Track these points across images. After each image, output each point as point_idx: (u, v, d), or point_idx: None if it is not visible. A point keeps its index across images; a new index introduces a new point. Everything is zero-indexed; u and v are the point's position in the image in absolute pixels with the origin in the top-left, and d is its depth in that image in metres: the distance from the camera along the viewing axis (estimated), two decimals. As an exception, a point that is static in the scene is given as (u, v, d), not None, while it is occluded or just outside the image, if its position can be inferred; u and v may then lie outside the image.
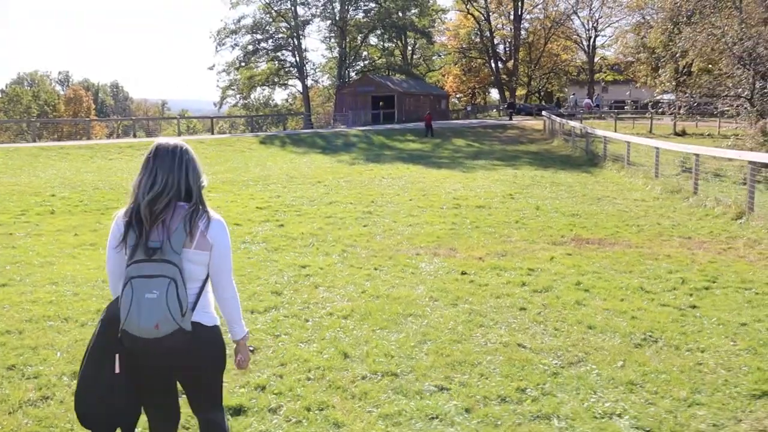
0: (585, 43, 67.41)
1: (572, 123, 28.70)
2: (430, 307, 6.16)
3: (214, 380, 2.71)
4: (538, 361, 4.78)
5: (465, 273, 7.60)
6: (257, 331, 5.31)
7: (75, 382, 4.14)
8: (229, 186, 15.37)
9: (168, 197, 2.46)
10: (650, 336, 5.33)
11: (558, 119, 32.31)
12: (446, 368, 4.60)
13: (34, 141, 29.97)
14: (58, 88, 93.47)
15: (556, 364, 4.73)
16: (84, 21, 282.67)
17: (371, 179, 16.82)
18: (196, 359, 2.53)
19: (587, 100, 44.94)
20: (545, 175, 18.22)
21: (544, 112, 38.36)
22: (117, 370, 2.47)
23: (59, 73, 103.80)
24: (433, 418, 3.89)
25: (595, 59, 67.09)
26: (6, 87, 79.22)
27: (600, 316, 5.85)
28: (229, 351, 2.83)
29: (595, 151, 23.32)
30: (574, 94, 50.68)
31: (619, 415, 3.96)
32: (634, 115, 40.61)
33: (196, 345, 2.48)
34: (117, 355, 2.47)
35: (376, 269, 7.77)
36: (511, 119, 44.01)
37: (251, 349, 4.76)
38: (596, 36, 66.21)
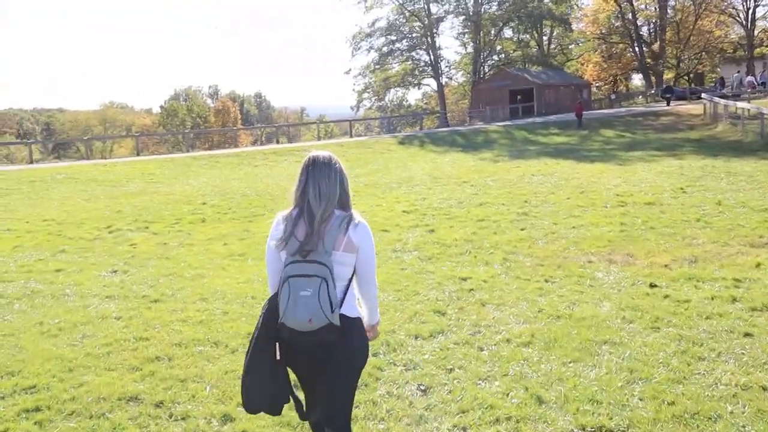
0: (742, 15, 60.88)
1: (741, 104, 25.58)
2: (627, 332, 5.08)
3: (353, 371, 2.82)
4: (801, 414, 3.59)
5: (655, 285, 6.42)
6: (426, 363, 4.54)
7: (225, 427, 3.60)
8: (372, 189, 14.88)
9: (330, 209, 2.68)
10: None
11: (722, 101, 29.04)
12: (676, 423, 3.55)
13: (188, 151, 31.63)
14: (208, 101, 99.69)
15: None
16: (229, 37, 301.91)
17: (520, 177, 15.66)
18: (345, 348, 2.71)
19: (750, 78, 40.24)
20: (716, 165, 16.08)
21: (704, 95, 34.70)
22: (278, 357, 2.72)
23: (209, 87, 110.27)
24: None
25: (755, 32, 60.37)
26: (164, 103, 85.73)
27: None
28: None
29: (773, 135, 20.53)
30: (738, 72, 45.73)
31: None
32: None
33: (345, 335, 2.67)
34: (277, 344, 2.72)
35: (546, 281, 6.78)
36: (668, 105, 40.44)
37: (423, 388, 4.00)
38: (756, 6, 59.59)
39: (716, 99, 30.63)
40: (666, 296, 6.05)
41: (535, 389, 4.02)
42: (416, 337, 5.04)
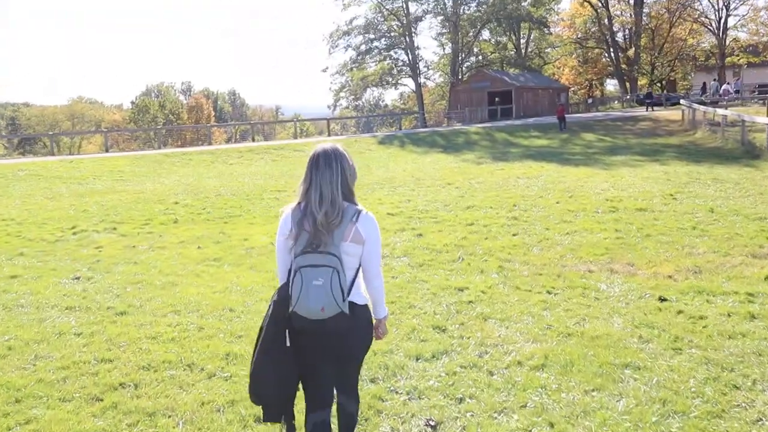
0: (714, 24, 61.65)
1: (722, 111, 25.56)
2: (647, 353, 4.60)
3: (362, 354, 2.97)
4: None
5: (664, 299, 5.97)
6: (431, 391, 3.99)
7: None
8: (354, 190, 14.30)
9: (332, 210, 2.71)
10: None
11: (701, 108, 29.05)
12: (731, 470, 3.05)
13: (160, 148, 30.66)
14: (181, 97, 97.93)
15: None
16: (202, 31, 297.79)
17: (505, 179, 15.22)
18: (352, 334, 2.82)
19: (726, 86, 40.48)
20: (701, 171, 15.84)
21: (683, 101, 34.75)
22: (288, 344, 2.78)
23: (182, 83, 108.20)
24: None
25: (726, 41, 61.16)
26: (136, 99, 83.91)
27: None
28: None
29: (753, 142, 20.40)
30: (715, 80, 46.06)
31: None
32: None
33: (352, 321, 2.75)
34: (287, 331, 2.77)
35: (549, 292, 6.29)
36: (649, 110, 40.51)
37: (432, 424, 3.45)
38: (728, 16, 60.40)
39: (695, 105, 30.68)
40: (679, 312, 5.60)
41: (561, 426, 3.50)
42: (417, 359, 4.48)
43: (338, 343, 2.82)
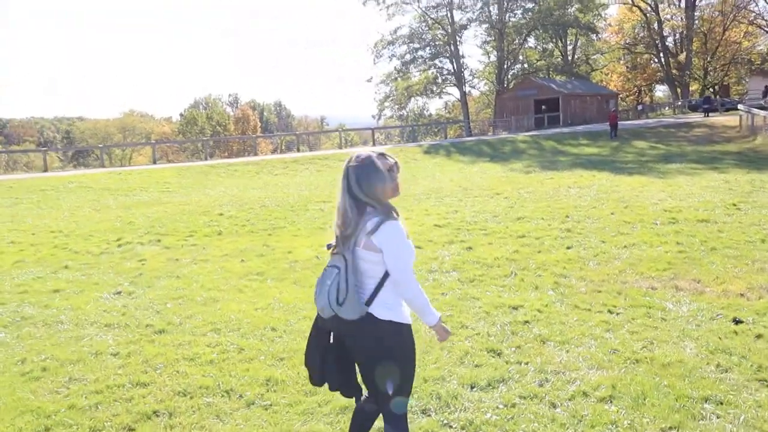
0: (771, 26, 59.52)
1: (784, 116, 24.44)
2: (728, 385, 4.12)
3: (371, 369, 2.81)
4: None
5: (739, 321, 5.45)
6: (490, 426, 3.61)
7: None
8: (399, 201, 13.82)
9: (347, 217, 2.75)
10: None
11: (761, 112, 27.82)
12: None
13: (206, 159, 31.00)
14: (228, 109, 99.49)
15: None
16: (248, 43, 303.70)
17: (555, 189, 14.68)
18: (355, 341, 2.81)
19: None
20: (765, 179, 14.98)
21: (740, 106, 33.41)
22: (331, 341, 2.91)
23: (229, 95, 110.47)
24: None
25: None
26: (184, 111, 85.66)
27: None
28: None
29: (821, 148, 19.33)
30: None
31: None
32: None
33: (352, 327, 2.74)
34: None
35: (610, 312, 5.84)
36: (707, 116, 39.11)
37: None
38: (787, 16, 58.25)
39: (754, 110, 29.42)
40: (758, 336, 5.08)
41: (638, 472, 3.08)
42: (472, 387, 4.11)
43: (350, 345, 2.87)
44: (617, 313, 5.77)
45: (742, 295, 6.31)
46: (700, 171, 17.63)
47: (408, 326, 2.82)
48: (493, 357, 4.66)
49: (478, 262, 8.03)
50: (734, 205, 11.51)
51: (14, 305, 6.58)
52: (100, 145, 36.63)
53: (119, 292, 7.01)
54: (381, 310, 2.74)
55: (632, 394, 3.96)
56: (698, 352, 4.72)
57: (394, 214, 2.77)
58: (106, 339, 5.31)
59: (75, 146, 78.94)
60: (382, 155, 2.81)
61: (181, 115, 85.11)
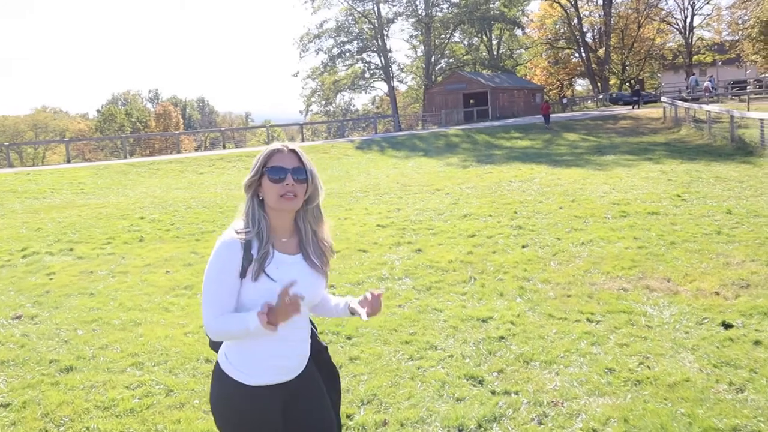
0: (680, 23, 62.18)
1: (707, 107, 25.06)
2: (752, 409, 3.59)
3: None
4: None
5: (729, 325, 5.01)
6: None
7: None
8: (336, 199, 13.18)
9: None
10: None
11: (684, 104, 28.57)
12: None
13: (126, 158, 29.14)
14: (148, 105, 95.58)
15: None
16: (170, 39, 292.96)
17: (497, 184, 14.24)
18: None
19: (707, 82, 40.25)
20: (700, 169, 15.06)
21: (664, 98, 34.33)
22: None
23: (149, 91, 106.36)
24: None
25: (693, 40, 61.76)
26: (101, 107, 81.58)
27: None
28: None
29: (743, 138, 19.76)
30: (694, 74, 45.92)
31: None
32: (757, 95, 35.92)
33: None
34: None
35: (589, 320, 5.28)
36: (636, 108, 39.93)
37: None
38: (693, 15, 61.02)
39: (677, 102, 30.23)
40: (756, 342, 4.62)
41: None
42: (460, 431, 3.39)
43: None
44: (597, 322, 5.21)
45: (717, 293, 5.91)
46: (636, 162, 17.65)
47: (235, 384, 2.05)
48: (475, 386, 3.96)
49: (431, 266, 7.36)
50: (678, 196, 11.34)
51: None
52: (6, 143, 33.91)
53: (19, 317, 5.92)
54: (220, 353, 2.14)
55: (649, 428, 3.35)
56: (701, 367, 4.19)
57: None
58: (-3, 382, 4.29)
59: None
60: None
61: (98, 111, 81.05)
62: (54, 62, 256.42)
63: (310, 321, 2.31)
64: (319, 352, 2.34)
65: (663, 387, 3.88)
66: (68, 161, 27.96)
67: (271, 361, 2.05)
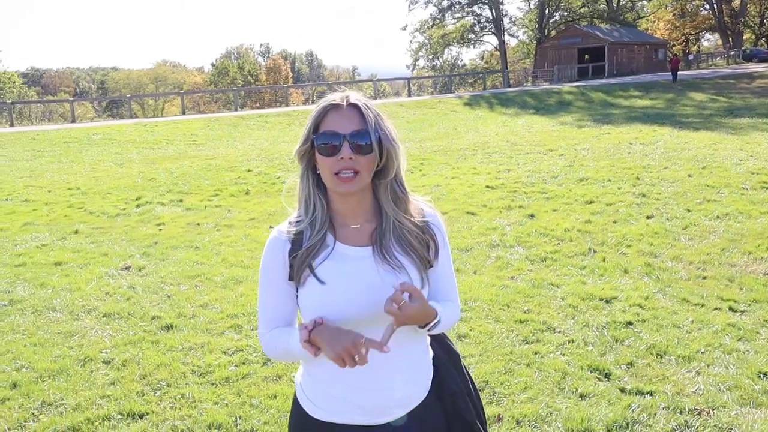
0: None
1: None
2: None
3: None
4: None
5: None
6: None
7: None
8: (443, 156, 12.71)
9: None
10: None
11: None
12: None
13: (237, 110, 29.86)
14: (260, 59, 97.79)
15: None
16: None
17: (616, 146, 13.21)
18: None
19: None
20: None
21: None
22: None
23: (261, 45, 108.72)
24: None
25: None
26: (216, 61, 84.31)
27: None
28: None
29: None
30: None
31: None
32: None
33: None
34: None
35: (732, 309, 4.60)
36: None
37: None
38: None
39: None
40: None
41: None
42: (584, 436, 2.96)
43: None
44: (742, 312, 4.53)
45: None
46: (776, 126, 15.92)
47: (301, 413, 1.61)
48: (601, 380, 3.48)
49: (546, 234, 6.81)
50: (830, 165, 10.02)
51: (6, 283, 5.60)
52: (128, 96, 35.72)
53: (128, 268, 5.98)
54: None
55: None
56: None
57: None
58: (101, 336, 4.26)
59: (105, 96, 78.46)
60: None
61: (213, 65, 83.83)
62: (174, 16, 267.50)
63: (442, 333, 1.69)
64: (452, 396, 1.64)
65: (835, 400, 3.24)
66: (183, 113, 29.03)
67: (340, 393, 1.53)
